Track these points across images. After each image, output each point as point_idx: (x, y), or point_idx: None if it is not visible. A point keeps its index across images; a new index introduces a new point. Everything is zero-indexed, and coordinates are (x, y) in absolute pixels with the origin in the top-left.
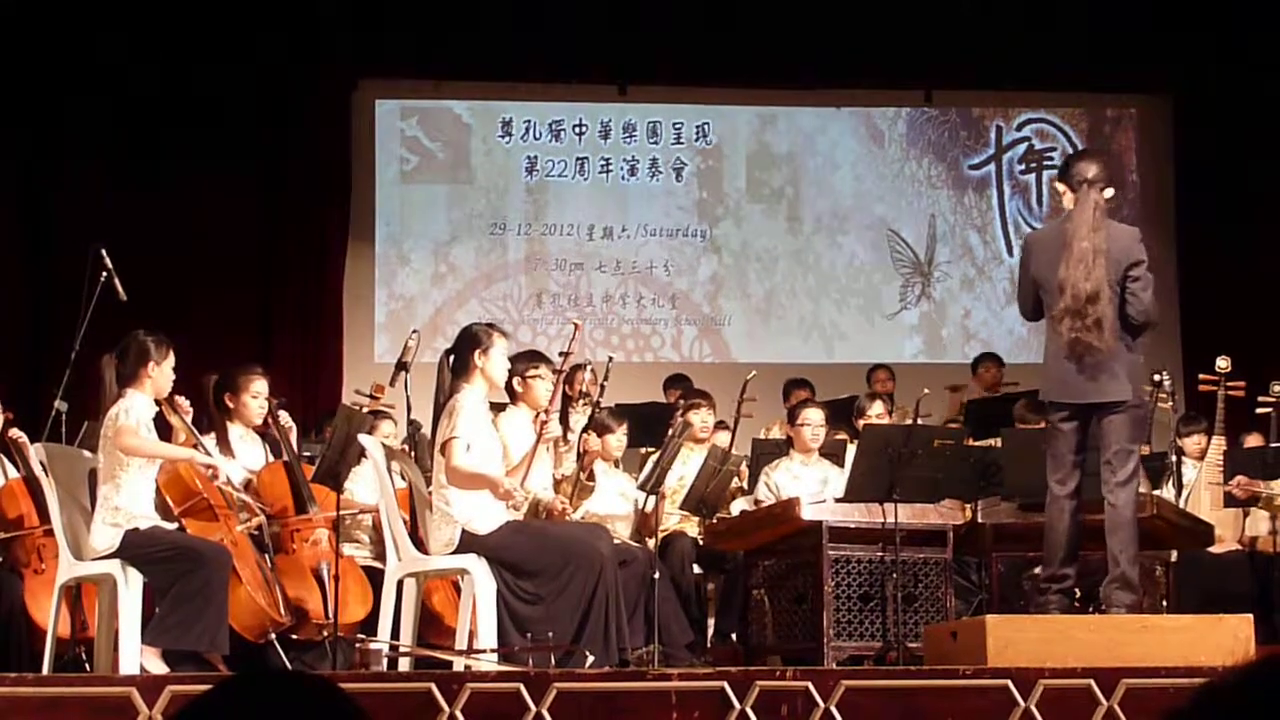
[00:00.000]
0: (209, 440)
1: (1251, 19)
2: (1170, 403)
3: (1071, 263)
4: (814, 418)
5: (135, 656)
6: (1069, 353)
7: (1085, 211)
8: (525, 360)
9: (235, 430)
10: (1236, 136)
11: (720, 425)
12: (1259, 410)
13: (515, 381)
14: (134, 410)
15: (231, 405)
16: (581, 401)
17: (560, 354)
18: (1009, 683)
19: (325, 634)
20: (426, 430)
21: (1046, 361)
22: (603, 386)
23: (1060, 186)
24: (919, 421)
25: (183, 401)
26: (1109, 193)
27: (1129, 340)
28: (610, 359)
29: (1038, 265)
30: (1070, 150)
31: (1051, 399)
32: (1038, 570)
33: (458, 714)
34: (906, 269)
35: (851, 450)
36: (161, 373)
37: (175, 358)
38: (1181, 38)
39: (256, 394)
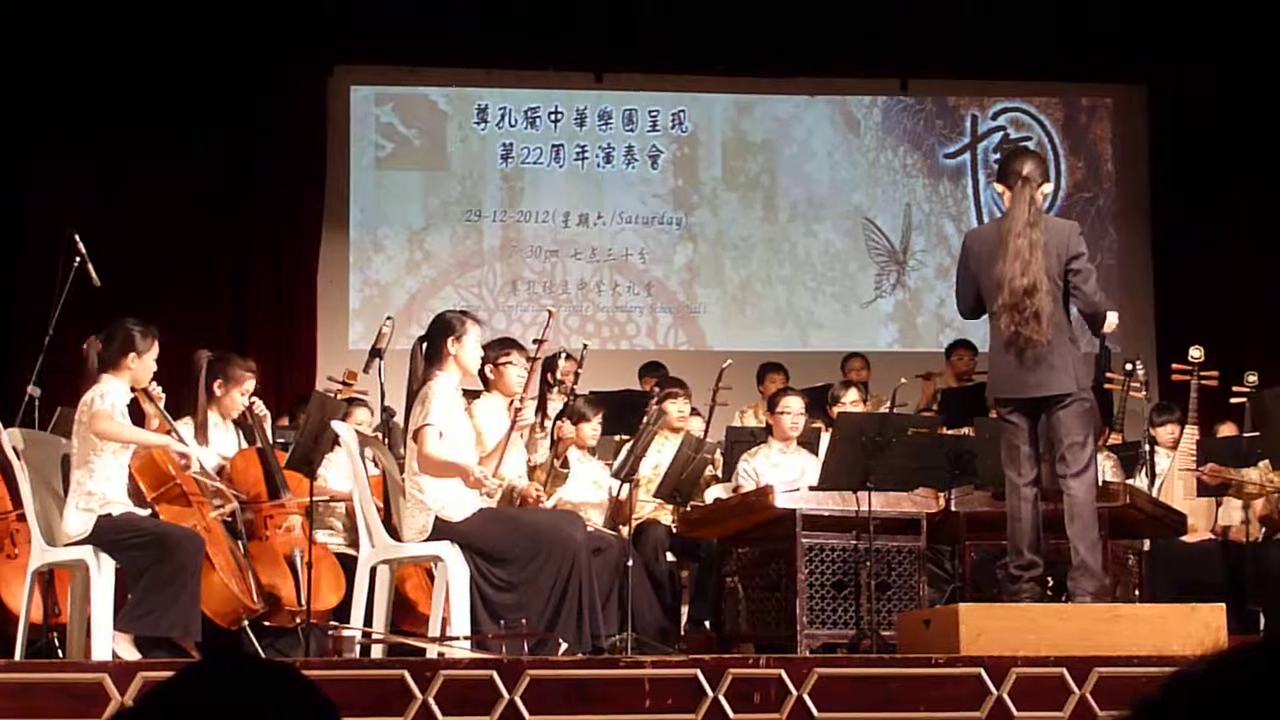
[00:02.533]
0: (183, 425)
1: (1225, 8)
2: (1144, 392)
3: (1009, 259)
4: (794, 406)
5: (107, 643)
6: (1009, 347)
7: (1021, 208)
8: (498, 347)
9: (212, 417)
10: (1213, 126)
11: (694, 412)
12: (1233, 400)
13: (488, 369)
14: (109, 395)
15: (219, 393)
16: (557, 389)
17: (534, 341)
18: (981, 671)
19: (298, 621)
20: (400, 418)
21: (990, 358)
22: (577, 374)
23: (999, 186)
24: (894, 410)
25: (155, 388)
26: (1046, 188)
27: (1071, 333)
28: (585, 346)
29: (976, 263)
30: (1046, 140)
31: (998, 394)
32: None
33: (431, 701)
34: (882, 257)
35: (826, 438)
36: (142, 364)
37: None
38: (1157, 28)
39: (245, 390)
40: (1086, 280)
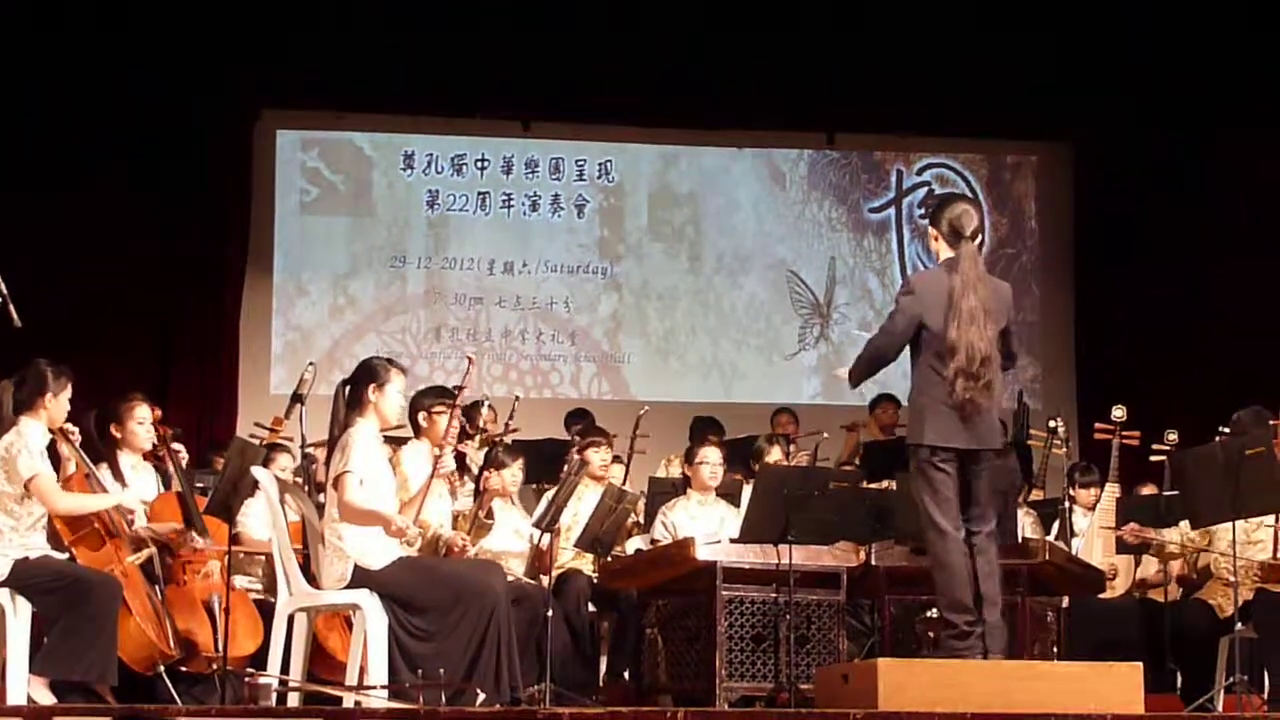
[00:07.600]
0: (101, 470)
1: (1151, 69)
2: (1065, 449)
3: (962, 323)
4: (713, 456)
5: (22, 686)
6: (957, 408)
7: (969, 268)
8: (432, 396)
9: (127, 459)
10: (1136, 185)
11: (615, 459)
12: (1153, 458)
13: (420, 416)
14: (31, 442)
15: (119, 434)
16: (479, 438)
17: (455, 388)
18: None
19: (214, 667)
20: (320, 464)
21: (924, 406)
22: (507, 425)
23: (933, 231)
24: (815, 464)
25: (71, 428)
26: (979, 237)
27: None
28: (517, 398)
29: (925, 309)
30: (970, 195)
31: (936, 443)
32: (932, 613)
33: None
34: (806, 310)
35: (748, 491)
36: (58, 404)
37: (72, 388)
38: (1083, 86)
39: (141, 420)
40: (1017, 339)
